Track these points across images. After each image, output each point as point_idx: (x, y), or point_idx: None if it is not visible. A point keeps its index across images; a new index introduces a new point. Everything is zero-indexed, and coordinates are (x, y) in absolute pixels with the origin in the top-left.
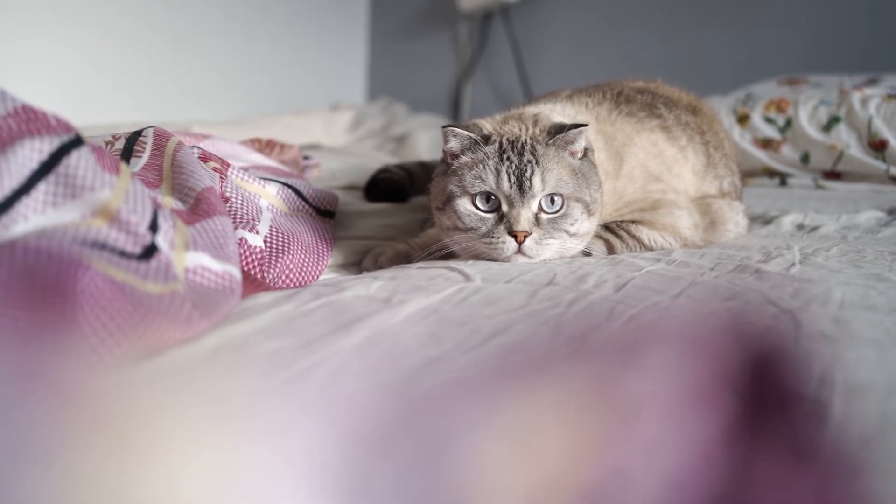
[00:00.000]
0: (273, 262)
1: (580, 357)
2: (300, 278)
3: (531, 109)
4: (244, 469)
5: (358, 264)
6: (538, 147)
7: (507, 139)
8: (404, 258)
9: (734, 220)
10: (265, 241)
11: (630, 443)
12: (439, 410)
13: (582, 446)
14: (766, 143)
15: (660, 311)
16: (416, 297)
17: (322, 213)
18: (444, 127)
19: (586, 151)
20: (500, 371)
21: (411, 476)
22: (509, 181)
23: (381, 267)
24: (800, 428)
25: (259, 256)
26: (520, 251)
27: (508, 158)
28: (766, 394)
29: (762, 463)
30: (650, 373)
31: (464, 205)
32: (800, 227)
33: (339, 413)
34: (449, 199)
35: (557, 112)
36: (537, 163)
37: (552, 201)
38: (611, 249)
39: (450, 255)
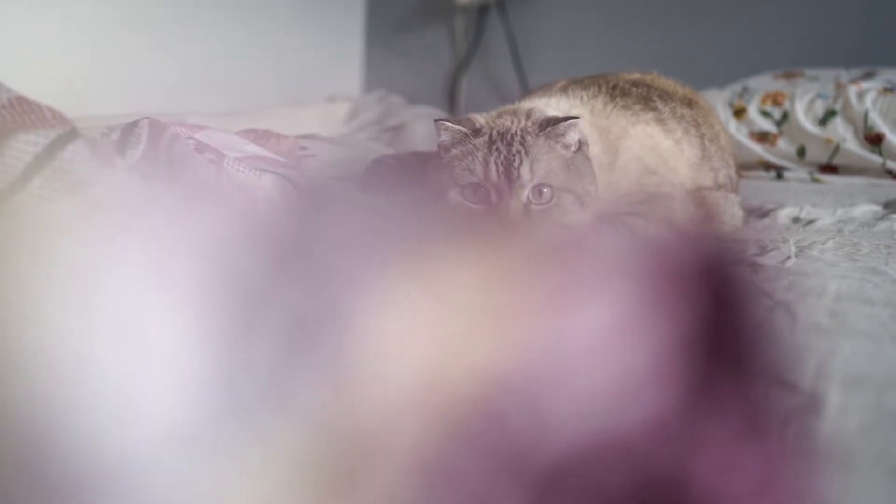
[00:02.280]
0: None
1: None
2: None
3: (526, 105)
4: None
5: None
6: (528, 138)
7: (498, 131)
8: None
9: (730, 212)
10: None
11: (567, 330)
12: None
13: (510, 321)
14: (762, 137)
15: None
16: None
17: (318, 203)
18: (436, 121)
19: (580, 145)
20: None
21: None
22: (497, 171)
23: None
24: (760, 392)
25: None
26: None
27: (497, 149)
28: (731, 330)
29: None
30: (597, 254)
31: (454, 196)
32: (795, 220)
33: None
34: (441, 192)
35: (552, 107)
36: (526, 153)
37: (541, 193)
38: None
39: None
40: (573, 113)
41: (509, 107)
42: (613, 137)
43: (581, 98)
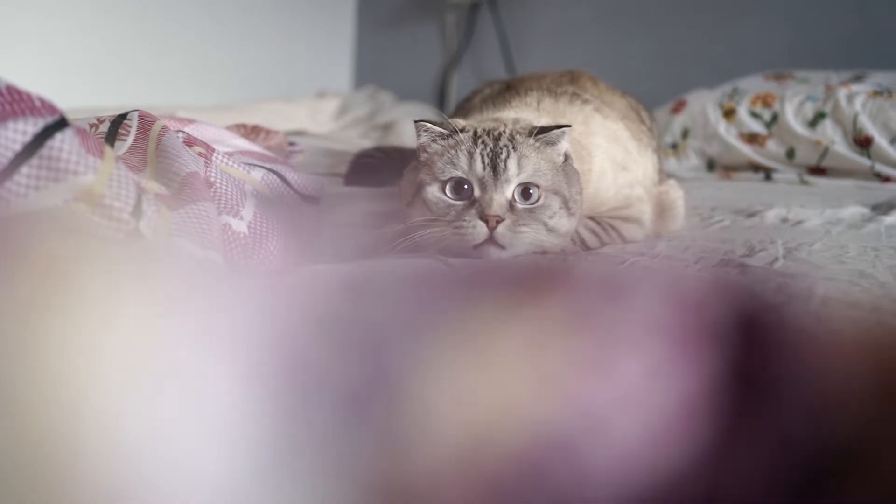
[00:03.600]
0: (256, 248)
1: (558, 284)
2: (282, 265)
3: (510, 114)
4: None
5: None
6: (517, 137)
7: (484, 129)
8: (370, 252)
9: (680, 199)
10: (249, 227)
11: (605, 385)
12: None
13: (549, 380)
14: (751, 138)
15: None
16: None
17: (307, 199)
18: (416, 122)
19: (567, 157)
20: (467, 282)
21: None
22: (482, 163)
23: (344, 260)
24: (790, 412)
25: (242, 242)
26: (491, 239)
27: (483, 142)
28: (757, 362)
29: (744, 439)
30: (633, 311)
31: (433, 192)
32: (784, 220)
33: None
34: (419, 190)
35: (535, 120)
36: (514, 148)
37: (528, 194)
38: (595, 237)
39: (416, 251)
40: (541, 122)
41: (489, 115)
42: (578, 135)
43: (531, 105)
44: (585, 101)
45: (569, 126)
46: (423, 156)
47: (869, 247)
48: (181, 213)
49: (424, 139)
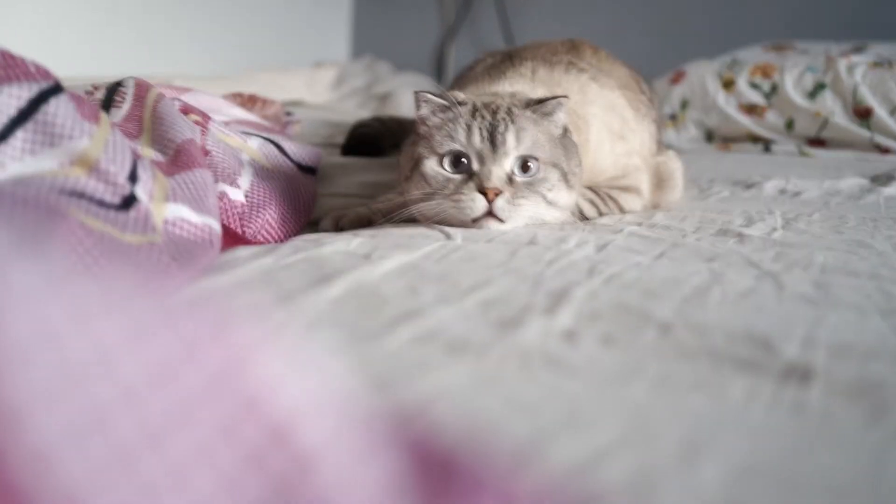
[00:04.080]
0: (253, 216)
1: None
2: (280, 233)
3: (507, 88)
4: None
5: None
6: (515, 110)
7: (483, 102)
8: (366, 222)
9: (678, 170)
10: (246, 196)
11: None
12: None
13: None
14: (750, 109)
15: (641, 270)
16: (396, 253)
17: (304, 169)
18: (416, 93)
19: (565, 130)
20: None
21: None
22: (481, 136)
23: (342, 229)
24: None
25: (240, 210)
26: (490, 213)
27: (482, 116)
28: None
29: None
30: None
31: (431, 165)
32: (782, 191)
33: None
34: (417, 163)
35: (531, 92)
36: (512, 121)
37: (527, 167)
38: (594, 208)
39: (412, 223)
40: (537, 94)
41: (484, 89)
42: (575, 104)
43: (526, 76)
44: (581, 70)
45: (565, 97)
46: (423, 129)
47: (868, 217)
48: (177, 179)
49: (424, 111)
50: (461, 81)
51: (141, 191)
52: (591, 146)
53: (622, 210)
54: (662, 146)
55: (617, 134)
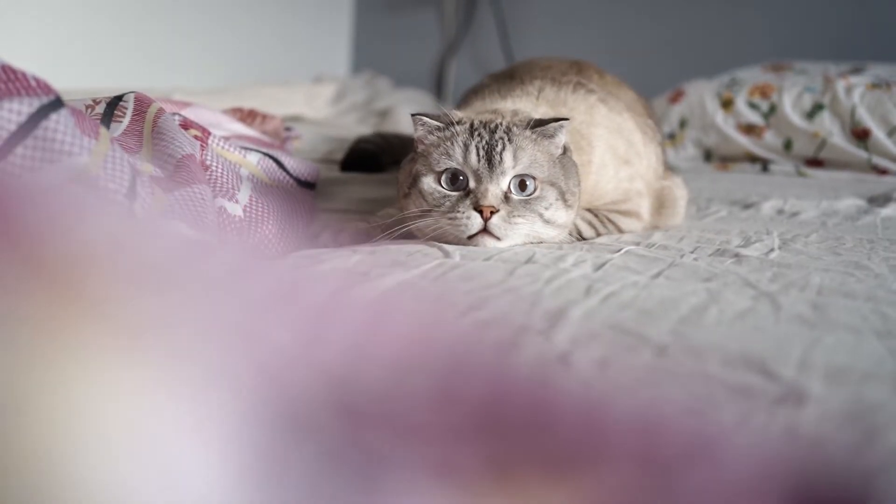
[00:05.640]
0: (251, 231)
1: None
2: (278, 248)
3: (510, 106)
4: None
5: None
6: (514, 129)
7: (480, 121)
8: (365, 237)
9: (683, 198)
10: (244, 211)
11: None
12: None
13: None
14: (749, 129)
15: (638, 289)
16: (394, 271)
17: (303, 184)
18: (413, 115)
19: (566, 150)
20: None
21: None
22: (478, 155)
23: (341, 244)
24: None
25: (237, 226)
26: (486, 231)
27: (479, 135)
28: None
29: None
30: None
31: (428, 182)
32: (780, 212)
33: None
34: (415, 181)
35: (533, 111)
36: (510, 140)
37: (524, 186)
38: (592, 229)
39: (410, 238)
40: (539, 113)
41: (488, 107)
42: (579, 125)
43: (531, 94)
44: (590, 91)
45: (566, 119)
46: (420, 147)
47: (865, 239)
48: (176, 196)
49: (421, 132)
50: (469, 98)
51: (140, 208)
52: (594, 167)
53: (621, 231)
54: (668, 169)
55: (622, 158)
